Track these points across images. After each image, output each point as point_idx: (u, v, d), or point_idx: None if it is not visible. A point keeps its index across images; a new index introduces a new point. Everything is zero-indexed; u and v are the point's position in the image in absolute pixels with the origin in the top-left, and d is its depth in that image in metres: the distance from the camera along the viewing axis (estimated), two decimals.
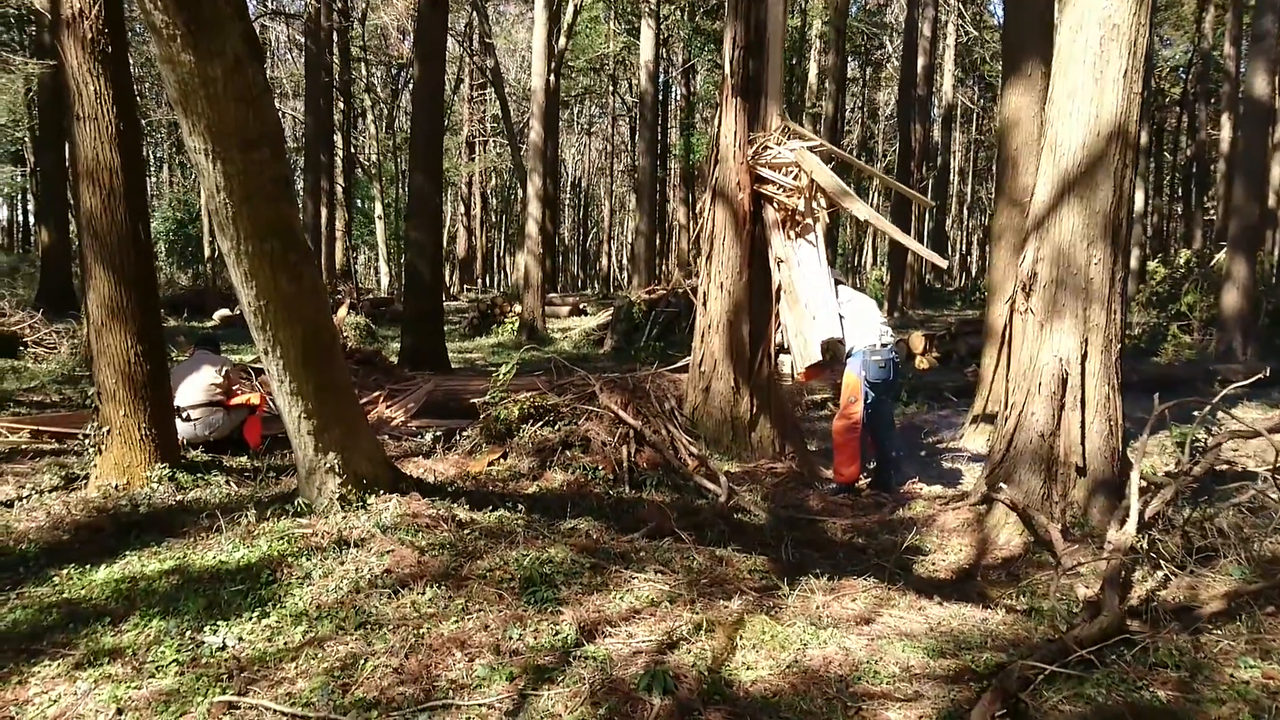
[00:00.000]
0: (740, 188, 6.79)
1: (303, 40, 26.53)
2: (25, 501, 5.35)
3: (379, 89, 36.09)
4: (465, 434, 7.04)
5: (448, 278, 38.88)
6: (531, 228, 19.53)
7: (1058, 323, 5.31)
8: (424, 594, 4.01)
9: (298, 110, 30.34)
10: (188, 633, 3.66)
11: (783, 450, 6.90)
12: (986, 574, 4.95)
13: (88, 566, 4.40)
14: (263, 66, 4.16)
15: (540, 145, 19.18)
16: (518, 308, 21.55)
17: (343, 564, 4.31)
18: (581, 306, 26.32)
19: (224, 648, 3.56)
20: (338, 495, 4.92)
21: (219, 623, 3.74)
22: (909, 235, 9.28)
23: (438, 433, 7.26)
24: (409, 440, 7.69)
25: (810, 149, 6.61)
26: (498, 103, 27.46)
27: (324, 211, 26.24)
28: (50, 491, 5.55)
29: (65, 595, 4.09)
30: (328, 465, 4.89)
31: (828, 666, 3.53)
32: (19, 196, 40.88)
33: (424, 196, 12.04)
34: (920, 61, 24.12)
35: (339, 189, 30.18)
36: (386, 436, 7.82)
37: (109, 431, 5.47)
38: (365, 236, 39.05)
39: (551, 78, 21.12)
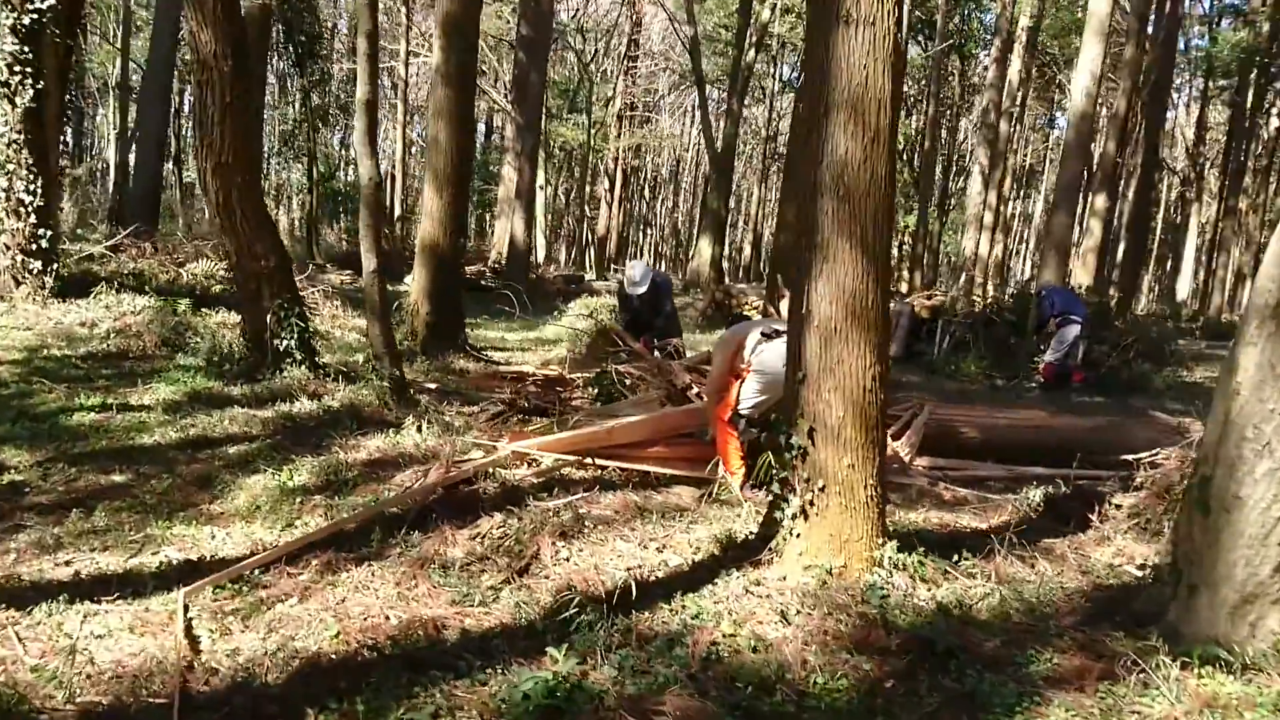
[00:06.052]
0: None
1: None
2: (724, 583, 3.63)
3: None
4: (1112, 502, 5.10)
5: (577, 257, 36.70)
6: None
7: None
8: None
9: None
10: None
11: None
12: None
13: None
14: None
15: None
16: (753, 299, 19.66)
17: None
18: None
19: None
20: None
21: None
22: None
23: (1037, 495, 5.20)
24: (958, 494, 5.78)
25: None
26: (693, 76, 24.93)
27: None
28: (727, 564, 3.82)
29: None
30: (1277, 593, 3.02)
31: None
32: None
33: None
34: None
35: None
36: (915, 484, 5.95)
37: (823, 488, 3.69)
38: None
39: None
